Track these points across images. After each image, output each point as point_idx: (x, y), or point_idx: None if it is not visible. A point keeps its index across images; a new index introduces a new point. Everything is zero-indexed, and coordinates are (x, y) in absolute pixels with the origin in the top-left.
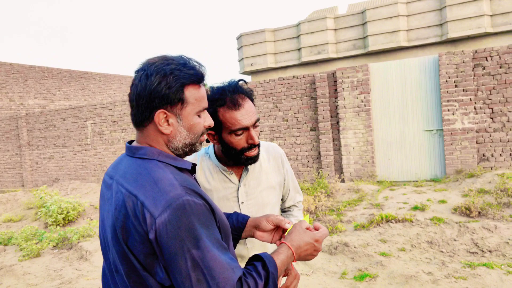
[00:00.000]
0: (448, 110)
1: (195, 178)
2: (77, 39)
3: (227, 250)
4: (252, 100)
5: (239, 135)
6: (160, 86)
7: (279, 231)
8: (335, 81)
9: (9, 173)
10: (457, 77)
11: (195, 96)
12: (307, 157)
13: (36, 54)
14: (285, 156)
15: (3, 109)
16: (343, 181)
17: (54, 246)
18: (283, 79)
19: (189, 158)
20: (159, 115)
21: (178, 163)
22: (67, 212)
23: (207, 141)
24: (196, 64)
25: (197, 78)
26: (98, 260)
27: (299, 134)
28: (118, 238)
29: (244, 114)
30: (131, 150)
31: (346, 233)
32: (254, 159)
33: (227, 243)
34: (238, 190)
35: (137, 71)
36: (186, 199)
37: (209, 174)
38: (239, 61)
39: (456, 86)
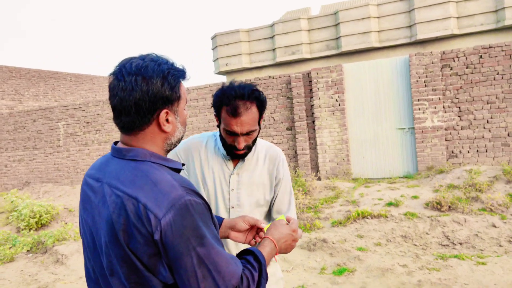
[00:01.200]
0: (419, 109)
1: None
2: (37, 37)
3: (223, 247)
4: (260, 107)
5: (229, 135)
6: (163, 87)
7: (252, 231)
8: (310, 81)
9: None
10: (426, 77)
11: (183, 90)
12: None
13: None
14: (284, 163)
15: None
16: (319, 179)
17: (28, 251)
18: (259, 79)
19: (197, 137)
20: (163, 115)
21: (170, 164)
22: (40, 216)
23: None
24: (175, 62)
25: (186, 73)
26: (74, 263)
27: (276, 134)
28: (119, 241)
29: (238, 123)
30: (120, 152)
31: (324, 230)
32: (242, 156)
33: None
34: (230, 176)
35: (122, 76)
36: (188, 199)
37: (211, 155)
38: (214, 61)
39: (426, 85)
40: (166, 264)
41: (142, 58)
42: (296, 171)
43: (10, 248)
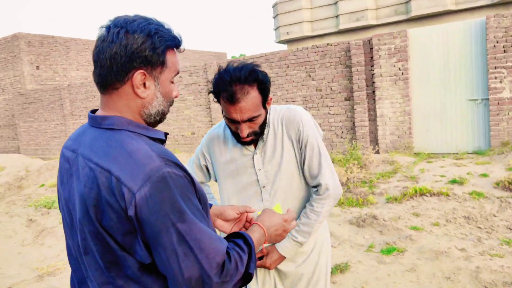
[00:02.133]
0: (495, 77)
1: None
2: (108, 9)
3: (208, 222)
4: (262, 89)
5: (231, 122)
6: (144, 45)
7: (240, 223)
8: (371, 49)
9: (55, 141)
10: (506, 41)
11: (173, 60)
12: (341, 128)
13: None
14: (306, 122)
15: (47, 80)
16: (377, 152)
17: None
18: (317, 47)
19: (215, 127)
20: (138, 76)
21: (150, 133)
22: None
23: None
24: (171, 28)
25: (179, 42)
26: None
27: (333, 104)
28: (91, 218)
29: (237, 110)
30: (96, 120)
31: (377, 206)
32: (249, 143)
33: (206, 215)
34: (253, 157)
35: (109, 28)
36: (167, 171)
37: (230, 145)
38: (275, 30)
39: (505, 51)
40: (143, 242)
41: (138, 16)
42: (352, 144)
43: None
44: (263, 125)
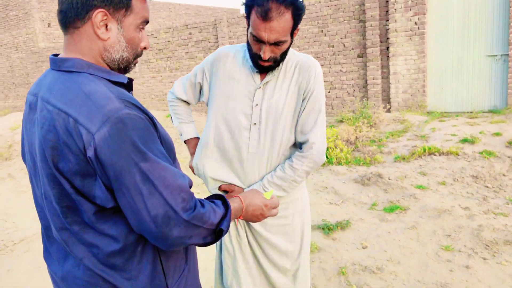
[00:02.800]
0: None
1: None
2: None
3: (172, 164)
4: (296, 16)
5: (255, 41)
6: None
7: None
8: (387, 2)
9: None
10: None
11: (141, 5)
12: (353, 86)
13: None
14: (318, 76)
15: (60, 38)
16: (388, 111)
17: None
18: (330, 1)
19: (225, 48)
20: (98, 15)
21: (112, 77)
22: None
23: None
24: None
25: None
26: None
27: (345, 61)
28: (47, 161)
29: (267, 29)
30: (56, 63)
31: (385, 165)
32: (266, 68)
33: (172, 162)
34: (256, 91)
35: None
36: (126, 112)
37: (238, 66)
38: None
39: None
40: (104, 185)
41: None
42: (363, 102)
43: None
44: (285, 54)
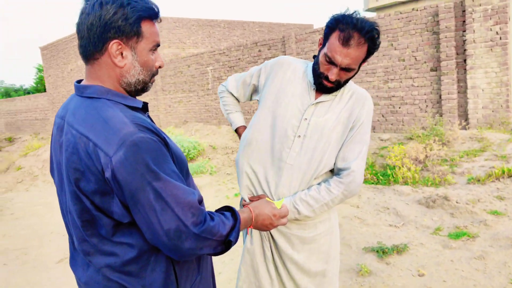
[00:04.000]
0: None
1: (149, 116)
2: None
3: (184, 183)
4: (370, 49)
5: (327, 62)
6: (116, 16)
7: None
8: (464, 11)
9: (150, 115)
10: None
11: (150, 31)
12: (425, 101)
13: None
14: (370, 108)
15: None
16: (465, 128)
17: None
18: (400, 13)
19: (289, 57)
20: (113, 46)
21: (128, 102)
22: (188, 151)
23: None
24: (151, 1)
25: (154, 12)
26: (206, 194)
27: (417, 75)
28: (70, 180)
29: (343, 54)
30: (79, 89)
31: (456, 187)
32: (328, 89)
33: (184, 176)
34: (308, 106)
35: (88, 0)
36: (140, 135)
37: (297, 78)
38: None
39: None
40: (120, 202)
41: None
42: (435, 118)
43: None
44: (348, 81)
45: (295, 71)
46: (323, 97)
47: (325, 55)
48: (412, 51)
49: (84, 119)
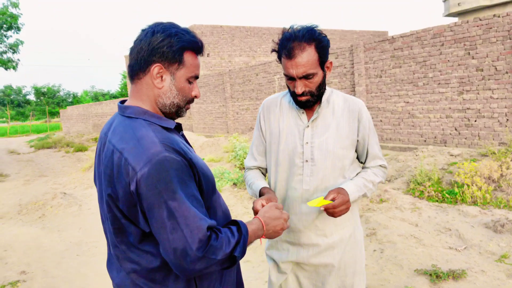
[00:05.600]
0: None
1: (183, 135)
2: None
3: (202, 206)
4: (320, 49)
5: (289, 80)
6: (163, 43)
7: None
8: None
9: (218, 121)
10: None
11: (191, 62)
12: (506, 115)
13: (237, 13)
14: (366, 114)
15: (215, 66)
16: None
17: (234, 184)
18: (480, 20)
19: (273, 95)
20: (155, 69)
21: (162, 123)
22: None
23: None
24: (196, 35)
25: (197, 46)
26: None
27: (497, 87)
28: (105, 189)
29: (294, 65)
30: (121, 109)
31: None
32: (305, 103)
33: (211, 195)
34: (304, 129)
35: (144, 29)
36: (165, 155)
37: (286, 110)
38: (444, 1)
39: None
40: (142, 214)
41: (172, 23)
42: None
43: (218, 181)
44: (320, 87)
45: (281, 105)
46: (314, 115)
47: (285, 76)
48: (492, 60)
49: (122, 137)
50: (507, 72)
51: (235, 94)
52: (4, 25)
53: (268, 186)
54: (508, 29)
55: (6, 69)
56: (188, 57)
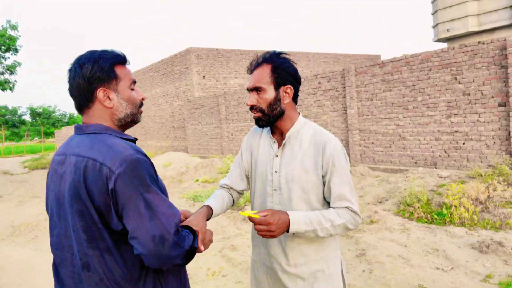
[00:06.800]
0: None
1: None
2: (258, 19)
3: (167, 196)
4: (275, 70)
5: (249, 92)
6: (94, 69)
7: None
8: None
9: (213, 142)
10: None
11: (124, 72)
12: (493, 138)
13: (233, 37)
14: (332, 149)
15: (211, 88)
16: None
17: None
18: (465, 46)
19: (254, 127)
20: (100, 93)
21: (124, 136)
22: None
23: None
24: (115, 50)
25: (121, 58)
26: None
27: (483, 111)
28: (80, 197)
29: (250, 78)
30: (81, 129)
31: None
32: (256, 121)
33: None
34: (274, 158)
35: (70, 69)
36: (138, 156)
37: (263, 139)
38: (433, 27)
39: None
40: (115, 212)
41: (90, 51)
42: (502, 157)
43: None
44: (272, 107)
45: (262, 133)
46: (283, 145)
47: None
48: (478, 85)
49: (91, 147)
50: (492, 97)
51: (230, 116)
52: (2, 47)
53: (211, 206)
54: (493, 55)
55: (3, 90)
56: (119, 69)
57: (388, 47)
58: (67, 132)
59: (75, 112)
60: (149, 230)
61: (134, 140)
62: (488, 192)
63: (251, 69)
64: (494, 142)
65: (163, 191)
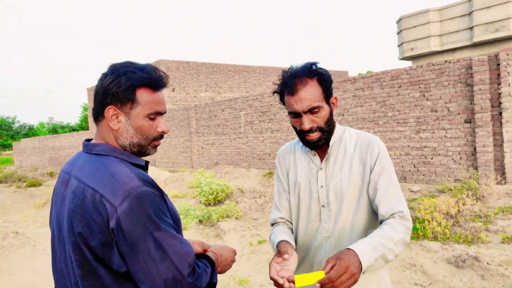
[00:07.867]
0: None
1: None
2: (231, 34)
3: (179, 233)
4: (322, 81)
5: (294, 117)
6: (111, 84)
7: None
8: (499, 65)
9: (183, 156)
10: None
11: (148, 99)
12: (459, 153)
13: (204, 50)
14: (385, 151)
15: (181, 101)
16: (500, 183)
17: (200, 222)
18: (433, 65)
19: (286, 145)
20: (109, 111)
21: (132, 160)
22: (217, 193)
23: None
24: (157, 71)
25: (150, 82)
26: (230, 239)
27: (450, 127)
28: (73, 230)
29: (297, 100)
30: (88, 147)
31: (489, 245)
32: (316, 142)
33: (179, 233)
34: (317, 172)
35: (103, 72)
36: (144, 189)
37: (299, 156)
38: (399, 46)
39: None
40: (118, 252)
41: (127, 62)
42: (469, 171)
43: (183, 218)
44: (329, 123)
45: (295, 151)
46: (326, 155)
47: (289, 114)
48: (445, 102)
49: (93, 174)
50: (458, 114)
51: (201, 129)
52: None
53: (287, 239)
54: (459, 74)
55: None
56: (142, 94)
57: (355, 64)
58: (26, 144)
59: (35, 124)
60: (161, 274)
61: (144, 165)
62: (458, 206)
63: (295, 90)
64: (461, 157)
65: (177, 222)
